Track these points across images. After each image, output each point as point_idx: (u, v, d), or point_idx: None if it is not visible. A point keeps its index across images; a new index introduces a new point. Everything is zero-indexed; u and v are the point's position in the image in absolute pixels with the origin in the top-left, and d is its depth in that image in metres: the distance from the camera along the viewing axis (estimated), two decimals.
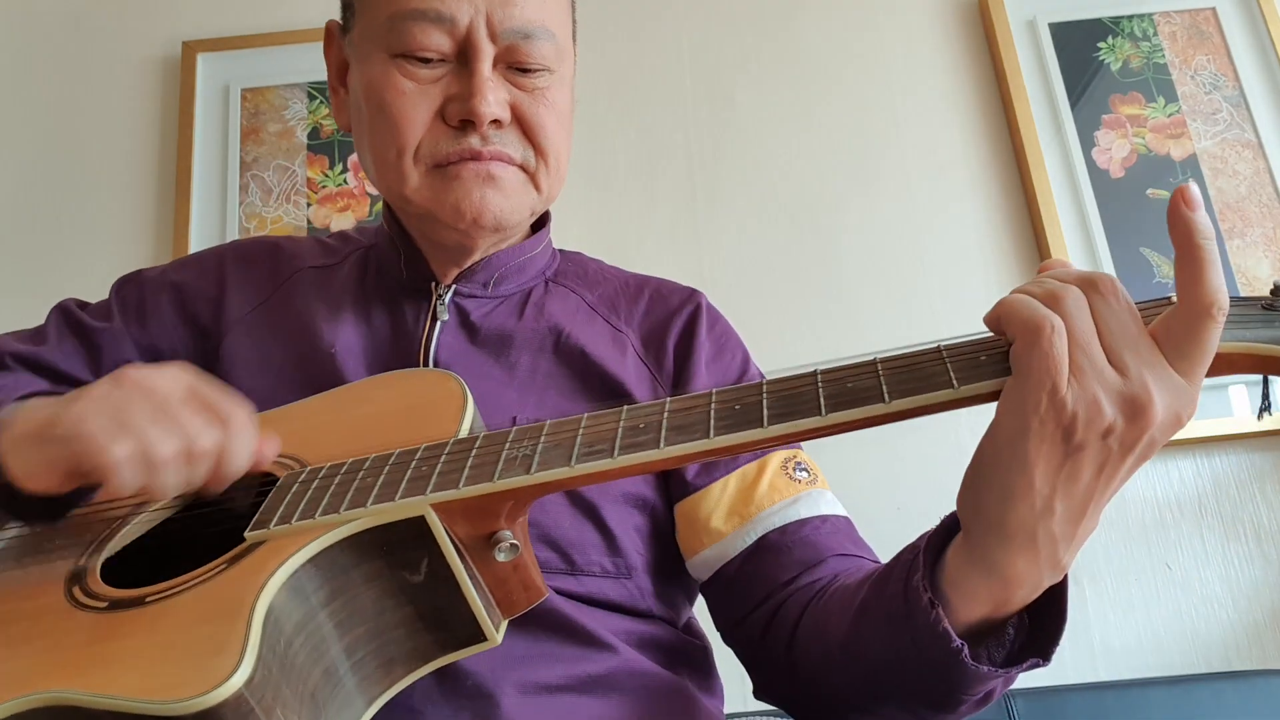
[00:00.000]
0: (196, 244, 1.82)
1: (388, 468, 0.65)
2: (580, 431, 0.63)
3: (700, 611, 0.90)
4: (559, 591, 0.76)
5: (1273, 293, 0.55)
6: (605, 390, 0.85)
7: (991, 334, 0.57)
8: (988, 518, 0.57)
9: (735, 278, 1.78)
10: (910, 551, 0.65)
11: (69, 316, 0.92)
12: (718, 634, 0.88)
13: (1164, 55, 1.84)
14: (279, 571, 0.58)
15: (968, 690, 0.61)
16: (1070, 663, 1.54)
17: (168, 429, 0.63)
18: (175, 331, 0.91)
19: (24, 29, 2.02)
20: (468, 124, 0.81)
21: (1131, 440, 0.53)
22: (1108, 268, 1.70)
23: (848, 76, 1.90)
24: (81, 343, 0.89)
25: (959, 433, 1.60)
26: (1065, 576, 0.60)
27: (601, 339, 0.89)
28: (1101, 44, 1.86)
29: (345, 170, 1.89)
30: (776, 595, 0.80)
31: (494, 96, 0.80)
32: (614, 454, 0.60)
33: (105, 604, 0.63)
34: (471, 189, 0.81)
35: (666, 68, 1.92)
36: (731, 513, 0.83)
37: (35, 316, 0.95)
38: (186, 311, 0.92)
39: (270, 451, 0.69)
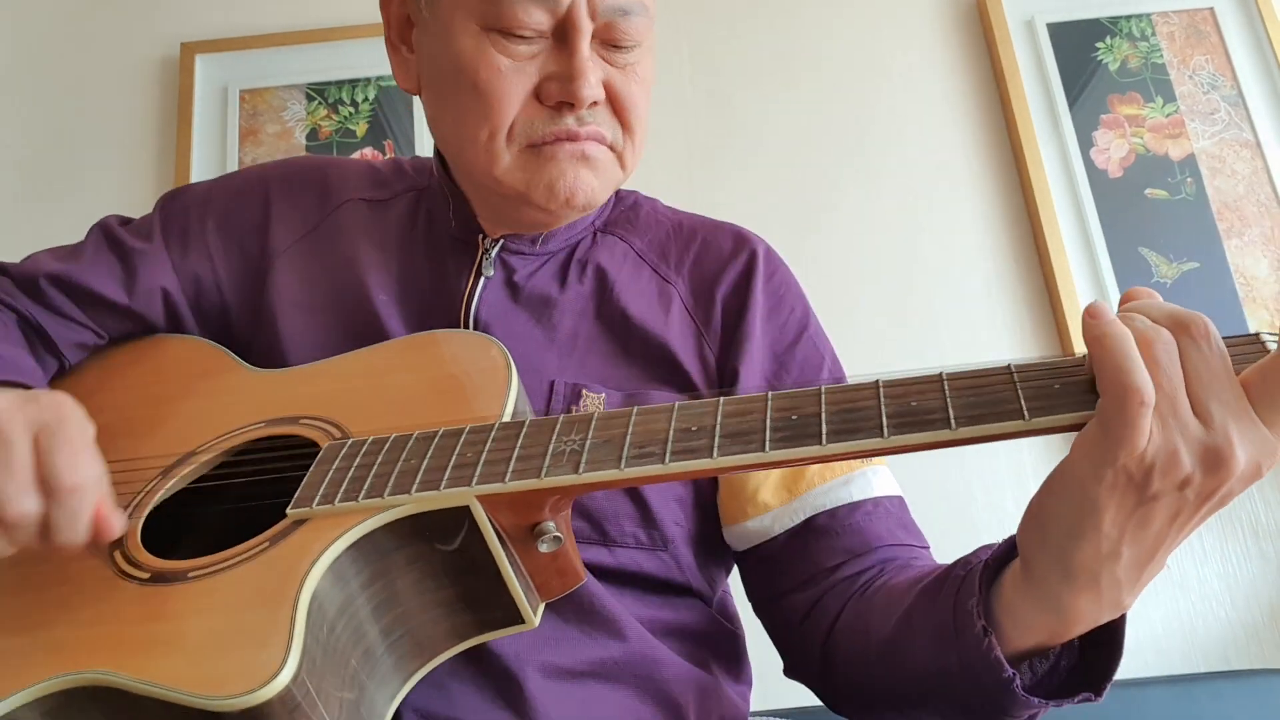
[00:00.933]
0: None
1: (431, 450, 0.64)
2: (630, 429, 0.62)
3: (734, 589, 0.89)
4: (592, 563, 0.75)
5: None
6: (647, 354, 0.84)
7: (1065, 358, 0.55)
8: (1051, 552, 0.55)
9: None
10: (963, 567, 0.64)
11: (109, 233, 0.89)
12: (750, 616, 0.87)
13: (1162, 55, 1.85)
14: (323, 557, 0.58)
15: (1013, 714, 0.61)
16: None
17: None
18: (219, 260, 0.89)
19: (24, 29, 2.01)
20: (564, 105, 0.79)
21: (1209, 491, 0.51)
22: (1106, 267, 1.70)
23: (846, 76, 1.90)
24: (119, 260, 0.87)
25: None
26: (1124, 614, 0.59)
27: (646, 295, 0.87)
28: (1100, 44, 1.86)
29: None
30: (820, 582, 0.79)
31: (594, 78, 0.79)
32: (665, 459, 0.59)
33: (148, 575, 0.62)
34: (566, 169, 0.80)
35: (666, 68, 1.92)
36: (781, 486, 0.81)
37: None
38: (232, 240, 0.90)
39: (117, 527, 0.62)
